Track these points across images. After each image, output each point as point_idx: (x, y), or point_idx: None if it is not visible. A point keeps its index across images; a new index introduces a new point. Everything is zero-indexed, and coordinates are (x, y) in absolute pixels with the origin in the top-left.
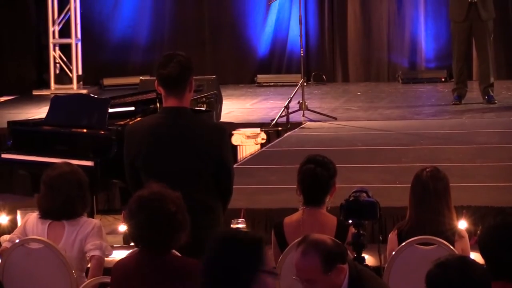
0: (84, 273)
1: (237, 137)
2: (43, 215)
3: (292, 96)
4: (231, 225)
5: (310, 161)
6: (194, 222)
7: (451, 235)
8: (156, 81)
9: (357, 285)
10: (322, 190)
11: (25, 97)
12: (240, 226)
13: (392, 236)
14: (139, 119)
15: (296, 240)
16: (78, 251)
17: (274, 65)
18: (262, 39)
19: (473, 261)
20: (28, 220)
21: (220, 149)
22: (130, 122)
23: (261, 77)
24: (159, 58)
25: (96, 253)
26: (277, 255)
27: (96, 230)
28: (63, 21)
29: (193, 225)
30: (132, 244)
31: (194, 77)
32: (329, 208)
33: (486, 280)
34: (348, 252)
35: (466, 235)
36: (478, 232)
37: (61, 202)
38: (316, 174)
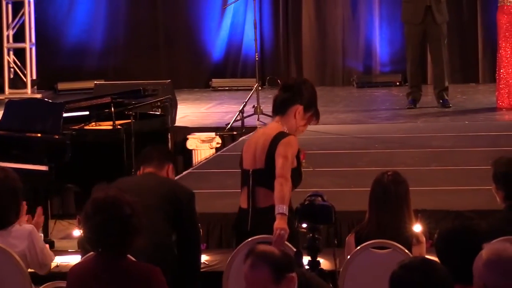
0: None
1: (192, 142)
2: None
3: (247, 100)
4: None
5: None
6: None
7: (410, 239)
8: None
9: None
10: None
11: None
12: None
13: (350, 239)
14: (93, 124)
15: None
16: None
17: (229, 69)
18: (217, 43)
19: (436, 263)
20: None
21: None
22: (85, 127)
23: (216, 82)
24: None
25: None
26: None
27: (34, 241)
28: (17, 25)
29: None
30: None
31: (149, 81)
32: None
33: (449, 282)
34: (303, 256)
35: (424, 240)
36: (436, 235)
37: None
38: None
